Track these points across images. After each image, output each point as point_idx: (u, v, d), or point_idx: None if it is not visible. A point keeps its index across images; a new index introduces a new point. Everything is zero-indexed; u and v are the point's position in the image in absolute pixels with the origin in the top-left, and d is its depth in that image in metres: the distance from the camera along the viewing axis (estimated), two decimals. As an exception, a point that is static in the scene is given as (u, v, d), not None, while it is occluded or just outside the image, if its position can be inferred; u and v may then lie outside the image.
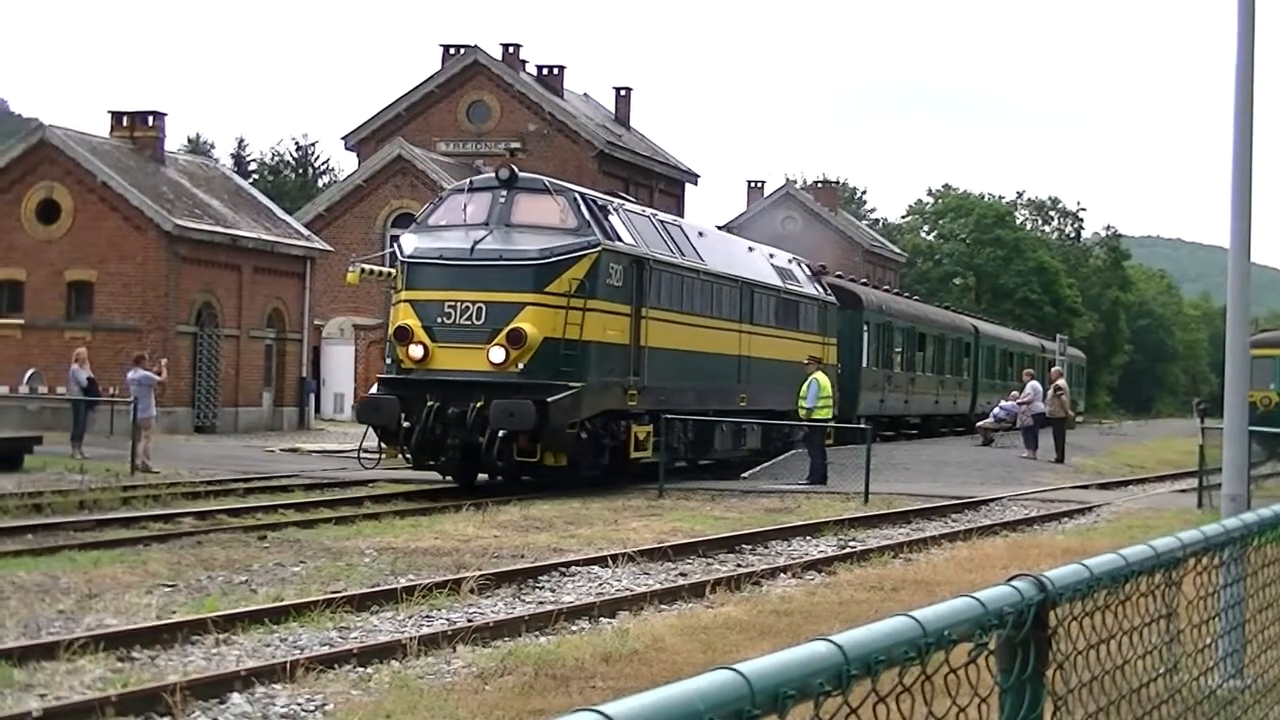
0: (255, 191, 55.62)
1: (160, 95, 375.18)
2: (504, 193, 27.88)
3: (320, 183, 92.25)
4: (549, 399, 25.73)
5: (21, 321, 45.12)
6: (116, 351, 42.27)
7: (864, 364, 44.98)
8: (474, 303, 26.59)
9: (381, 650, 11.86)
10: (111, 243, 44.65)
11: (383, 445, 27.28)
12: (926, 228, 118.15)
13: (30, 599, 14.02)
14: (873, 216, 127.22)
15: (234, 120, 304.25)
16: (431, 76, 66.08)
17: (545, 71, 68.28)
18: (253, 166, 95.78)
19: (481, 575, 15.56)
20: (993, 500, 28.15)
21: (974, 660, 3.06)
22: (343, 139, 67.59)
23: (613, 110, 74.41)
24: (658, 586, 15.89)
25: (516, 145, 61.48)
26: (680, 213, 67.43)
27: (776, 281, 37.37)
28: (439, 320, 26.71)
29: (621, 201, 31.34)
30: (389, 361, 27.94)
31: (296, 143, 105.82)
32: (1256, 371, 30.97)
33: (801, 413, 31.85)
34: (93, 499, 23.78)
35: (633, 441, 28.74)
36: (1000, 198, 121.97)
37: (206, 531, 19.94)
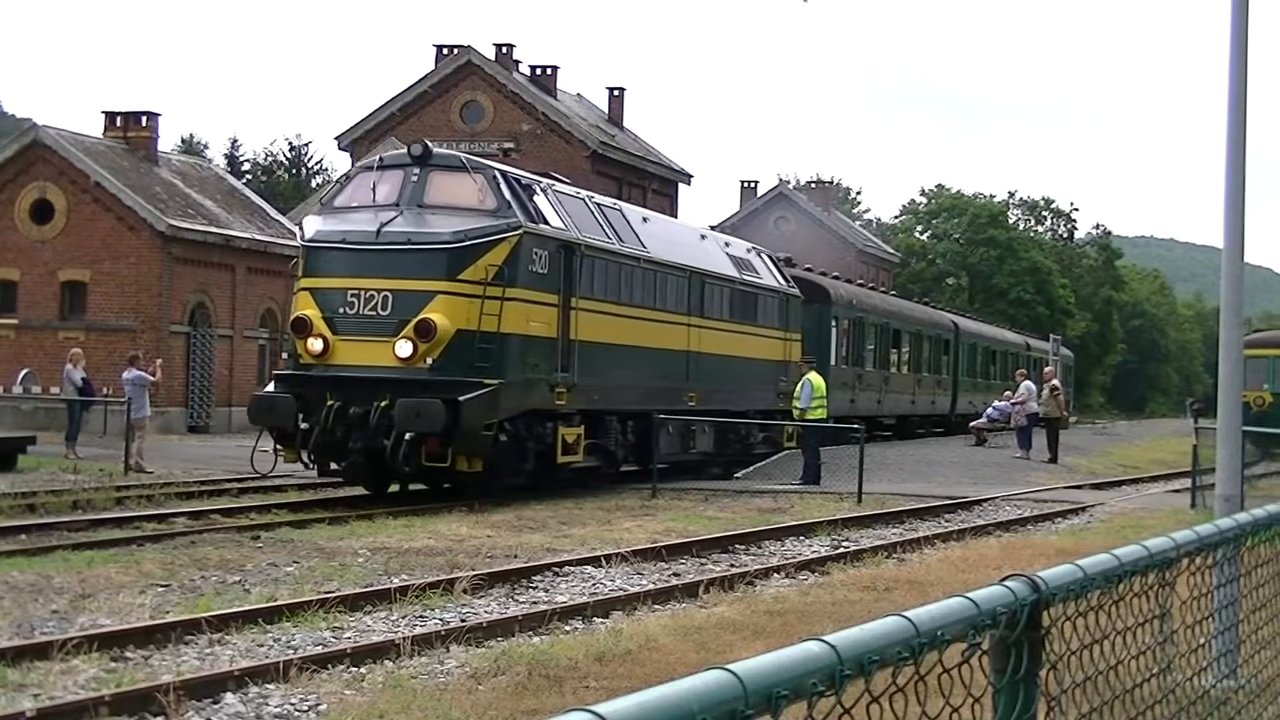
0: (249, 192, 55.66)
1: (154, 95, 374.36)
2: (416, 170, 25.45)
3: (314, 183, 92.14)
4: (461, 398, 23.38)
5: (15, 322, 45.13)
6: (110, 352, 42.32)
7: (832, 361, 42.49)
8: (379, 291, 24.20)
9: (375, 650, 11.86)
10: (105, 243, 44.67)
11: (279, 448, 25.03)
12: (920, 228, 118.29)
13: (24, 599, 14.01)
14: (866, 217, 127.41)
15: (227, 120, 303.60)
16: (425, 76, 66.05)
17: (538, 72, 68.25)
18: (246, 167, 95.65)
19: (475, 575, 15.56)
20: (986, 500, 28.17)
21: (967, 660, 3.06)
22: (336, 139, 67.56)
23: (606, 110, 74.39)
24: (651, 586, 15.89)
25: (510, 145, 61.44)
26: (674, 213, 67.46)
27: (731, 272, 34.60)
28: (341, 311, 24.40)
29: (551, 181, 28.50)
30: (286, 356, 25.90)
31: (290, 143, 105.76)
32: (1250, 372, 31.06)
33: (795, 413, 31.83)
34: (86, 499, 23.76)
35: (560, 445, 26.33)
36: (993, 197, 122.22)
37: (200, 531, 19.93)
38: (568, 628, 13.53)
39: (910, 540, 21.09)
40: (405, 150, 26.46)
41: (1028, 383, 41.48)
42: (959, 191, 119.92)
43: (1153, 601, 4.36)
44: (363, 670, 11.29)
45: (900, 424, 51.00)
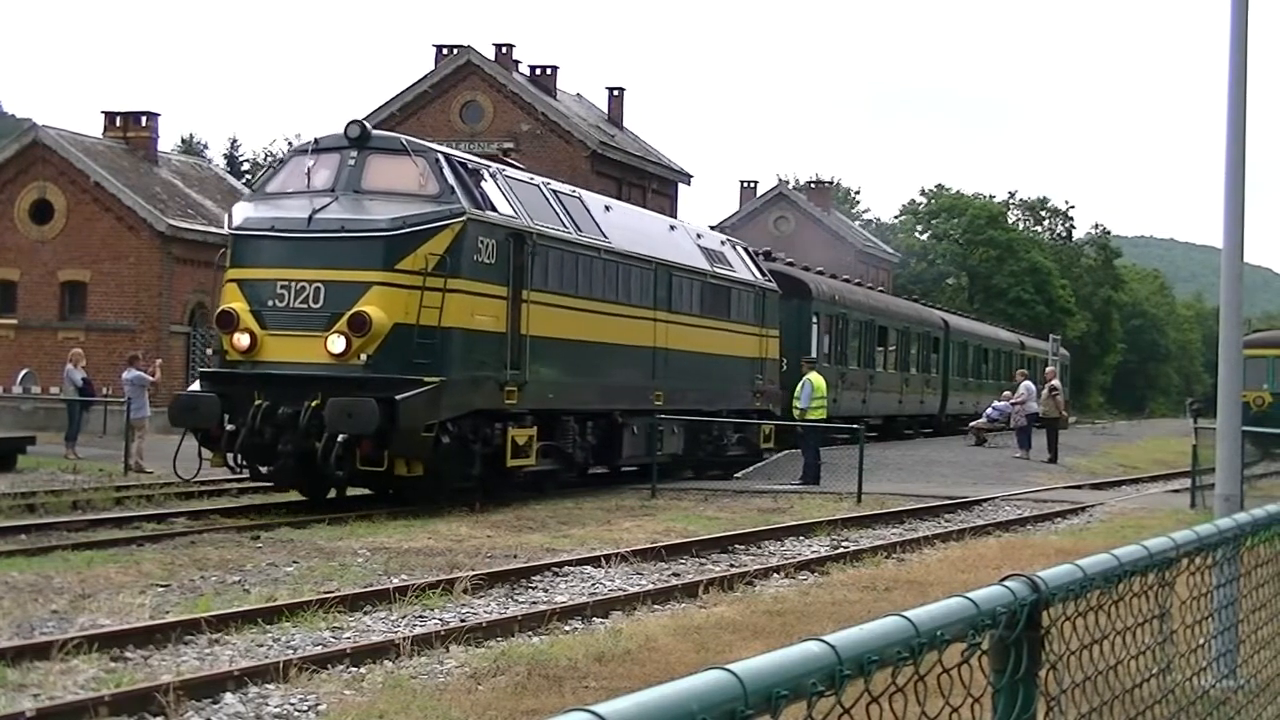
0: (248, 192, 55.63)
1: (153, 95, 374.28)
2: (354, 154, 23.87)
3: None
4: (397, 396, 21.87)
5: (15, 322, 45.16)
6: (110, 352, 42.34)
7: (813, 359, 40.79)
8: (311, 282, 22.58)
9: (375, 650, 11.85)
10: (105, 243, 44.71)
11: (203, 451, 23.55)
12: (920, 228, 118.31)
13: (24, 599, 14.01)
14: (866, 217, 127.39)
15: (227, 120, 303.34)
16: (425, 76, 66.04)
17: (538, 72, 68.23)
18: (246, 166, 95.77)
19: (474, 575, 15.56)
20: (986, 500, 28.18)
21: (967, 660, 3.06)
22: (336, 139, 67.53)
23: (605, 110, 74.38)
24: (651, 586, 15.88)
25: (510, 145, 61.43)
26: (673, 213, 67.38)
27: (702, 264, 32.77)
28: (270, 303, 22.79)
29: (501, 166, 26.88)
30: (211, 352, 24.45)
31: (290, 143, 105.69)
32: (1249, 371, 31.03)
33: (795, 413, 31.82)
34: (86, 499, 23.76)
35: (510, 447, 24.62)
36: (992, 198, 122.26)
37: (200, 531, 19.94)
38: (567, 628, 13.53)
39: (910, 540, 21.10)
40: (342, 132, 24.63)
41: (1027, 383, 41.50)
42: (958, 192, 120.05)
43: (1152, 601, 4.36)
44: (362, 670, 11.29)
45: (887, 424, 49.29)
